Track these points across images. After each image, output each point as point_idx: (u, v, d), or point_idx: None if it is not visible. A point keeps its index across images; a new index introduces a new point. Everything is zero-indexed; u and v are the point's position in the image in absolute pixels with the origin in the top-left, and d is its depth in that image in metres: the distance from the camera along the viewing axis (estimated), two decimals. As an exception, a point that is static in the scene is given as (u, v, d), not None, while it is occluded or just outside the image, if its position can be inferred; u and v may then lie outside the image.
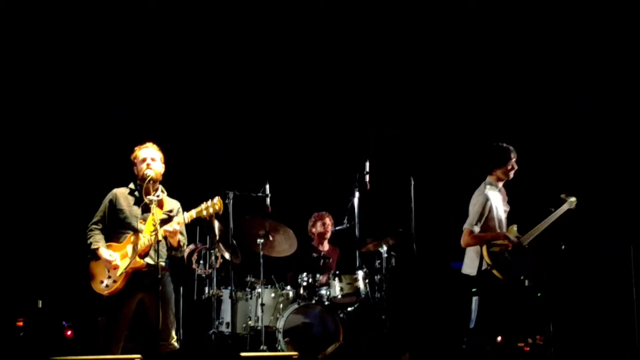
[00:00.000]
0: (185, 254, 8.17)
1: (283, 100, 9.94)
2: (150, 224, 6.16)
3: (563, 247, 7.15)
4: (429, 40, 9.60)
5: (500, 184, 7.09)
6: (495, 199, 7.03)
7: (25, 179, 9.36)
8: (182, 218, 6.23)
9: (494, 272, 6.94)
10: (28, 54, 9.16)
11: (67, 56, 9.30)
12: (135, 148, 6.47)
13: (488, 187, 7.05)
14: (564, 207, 6.81)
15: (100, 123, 9.51)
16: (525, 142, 7.35)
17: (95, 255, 6.22)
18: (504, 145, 7.02)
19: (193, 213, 6.23)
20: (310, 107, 9.95)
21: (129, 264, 6.15)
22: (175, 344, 6.30)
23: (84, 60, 9.34)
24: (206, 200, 6.24)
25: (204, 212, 6.22)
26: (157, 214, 6.04)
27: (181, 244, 6.35)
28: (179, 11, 9.18)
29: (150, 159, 6.34)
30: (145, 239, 6.16)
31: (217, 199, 6.23)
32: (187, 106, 9.81)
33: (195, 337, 8.47)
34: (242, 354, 5.91)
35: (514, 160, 7.00)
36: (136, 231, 6.22)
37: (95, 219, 6.37)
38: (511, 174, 7.03)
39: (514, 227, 6.95)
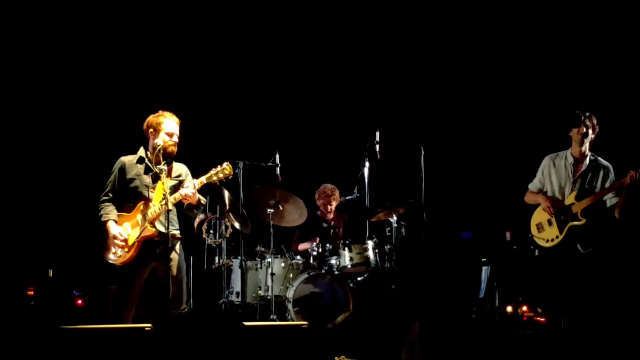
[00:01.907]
0: (195, 224, 8.18)
1: (294, 70, 9.90)
2: (160, 192, 6.14)
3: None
4: (443, 15, 9.53)
5: (582, 149, 6.95)
6: (556, 166, 7.03)
7: (36, 149, 9.36)
8: (193, 184, 6.20)
9: (534, 238, 7.01)
10: (26, 45, 9.17)
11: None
12: (160, 113, 6.35)
13: (555, 154, 7.07)
14: (626, 180, 6.69)
15: (111, 90, 9.51)
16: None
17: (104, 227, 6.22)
18: (577, 111, 6.96)
19: (203, 179, 6.20)
20: (321, 77, 9.93)
21: (140, 233, 6.14)
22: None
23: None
24: (215, 166, 6.22)
25: (214, 178, 6.19)
26: (166, 183, 6.02)
27: (202, 202, 6.35)
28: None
29: (177, 136, 6.29)
30: (155, 208, 6.14)
31: (226, 164, 6.20)
32: (197, 77, 9.79)
33: (205, 307, 8.50)
34: (246, 323, 5.89)
35: (583, 122, 6.91)
36: (146, 200, 6.21)
37: (106, 190, 6.32)
38: (579, 137, 6.93)
39: (573, 194, 6.90)
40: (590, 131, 6.87)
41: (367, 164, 8.41)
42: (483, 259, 9.11)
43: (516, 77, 9.59)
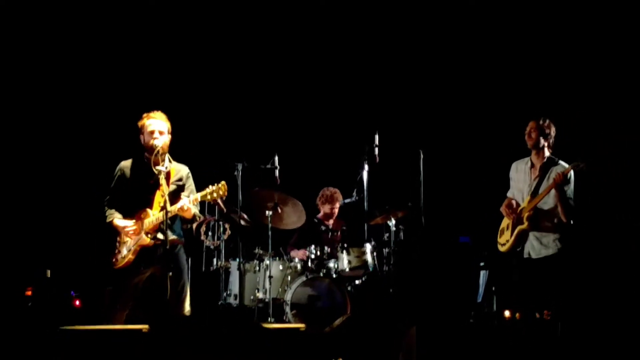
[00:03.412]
0: (194, 226, 8.17)
1: (294, 73, 9.90)
2: (160, 199, 6.16)
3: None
4: (442, 17, 9.52)
5: (539, 154, 6.97)
6: (518, 171, 7.06)
7: (35, 151, 9.37)
8: (189, 199, 6.20)
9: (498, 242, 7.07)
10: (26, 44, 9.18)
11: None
12: (144, 115, 6.35)
13: (521, 159, 7.09)
14: (552, 184, 6.69)
15: (109, 90, 9.51)
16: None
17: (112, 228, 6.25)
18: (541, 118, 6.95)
19: (198, 196, 6.23)
20: (320, 80, 9.93)
21: (137, 241, 6.16)
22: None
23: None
24: (212, 184, 6.23)
25: (208, 197, 6.23)
26: (164, 188, 6.03)
27: (196, 217, 6.37)
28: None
29: (159, 132, 6.26)
30: (153, 217, 6.15)
31: (222, 184, 6.22)
32: (197, 78, 9.78)
33: (203, 309, 8.49)
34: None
35: (529, 133, 6.93)
36: (145, 207, 6.22)
37: (107, 196, 6.38)
38: (528, 141, 6.95)
39: (527, 198, 6.88)
40: (541, 139, 6.86)
41: (365, 167, 8.42)
42: (481, 264, 9.11)
43: (515, 79, 9.57)
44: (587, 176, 6.93)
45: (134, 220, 6.23)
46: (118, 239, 6.29)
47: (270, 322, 7.76)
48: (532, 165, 6.99)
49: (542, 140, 6.86)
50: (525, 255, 6.84)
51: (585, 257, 7.92)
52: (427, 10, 9.46)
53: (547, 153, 6.90)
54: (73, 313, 8.64)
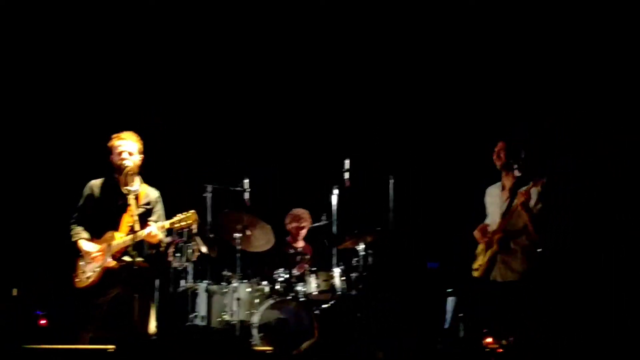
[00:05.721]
0: (162, 247, 8.15)
1: (265, 95, 9.92)
2: (127, 222, 6.15)
3: (539, 250, 6.96)
4: (413, 40, 9.58)
5: (504, 178, 7.01)
6: (491, 196, 7.08)
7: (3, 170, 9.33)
8: (156, 226, 6.18)
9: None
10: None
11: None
12: (113, 136, 6.36)
13: (496, 184, 7.10)
14: (517, 204, 6.69)
15: (79, 110, 9.49)
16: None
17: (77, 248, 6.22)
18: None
19: (167, 223, 6.25)
20: (292, 104, 9.97)
21: (102, 263, 6.13)
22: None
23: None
24: (181, 213, 6.23)
25: (177, 225, 6.24)
26: (133, 208, 6.01)
27: (162, 244, 6.36)
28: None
29: (128, 152, 6.26)
30: (120, 240, 6.13)
31: (191, 212, 6.23)
32: (169, 98, 9.78)
33: (169, 330, 8.45)
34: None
35: (497, 148, 6.97)
36: (112, 228, 6.20)
37: (75, 214, 6.34)
38: (496, 162, 6.98)
39: (499, 221, 6.90)
40: (509, 159, 6.85)
41: (335, 191, 8.44)
42: (449, 290, 9.14)
43: (487, 105, 9.62)
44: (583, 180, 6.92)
45: (99, 246, 6.19)
46: (80, 258, 6.24)
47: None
48: (503, 188, 7.01)
49: (510, 161, 6.87)
50: (491, 278, 6.85)
51: (550, 284, 7.96)
52: (396, 36, 9.51)
53: (517, 174, 6.86)
54: (38, 332, 8.56)
